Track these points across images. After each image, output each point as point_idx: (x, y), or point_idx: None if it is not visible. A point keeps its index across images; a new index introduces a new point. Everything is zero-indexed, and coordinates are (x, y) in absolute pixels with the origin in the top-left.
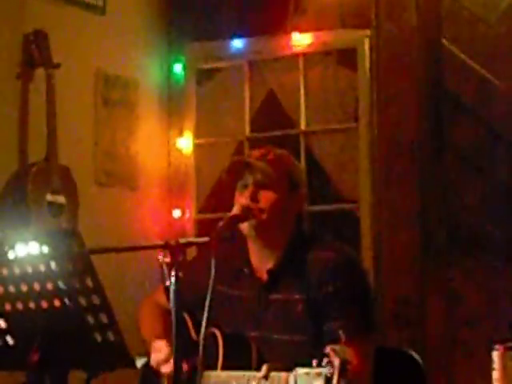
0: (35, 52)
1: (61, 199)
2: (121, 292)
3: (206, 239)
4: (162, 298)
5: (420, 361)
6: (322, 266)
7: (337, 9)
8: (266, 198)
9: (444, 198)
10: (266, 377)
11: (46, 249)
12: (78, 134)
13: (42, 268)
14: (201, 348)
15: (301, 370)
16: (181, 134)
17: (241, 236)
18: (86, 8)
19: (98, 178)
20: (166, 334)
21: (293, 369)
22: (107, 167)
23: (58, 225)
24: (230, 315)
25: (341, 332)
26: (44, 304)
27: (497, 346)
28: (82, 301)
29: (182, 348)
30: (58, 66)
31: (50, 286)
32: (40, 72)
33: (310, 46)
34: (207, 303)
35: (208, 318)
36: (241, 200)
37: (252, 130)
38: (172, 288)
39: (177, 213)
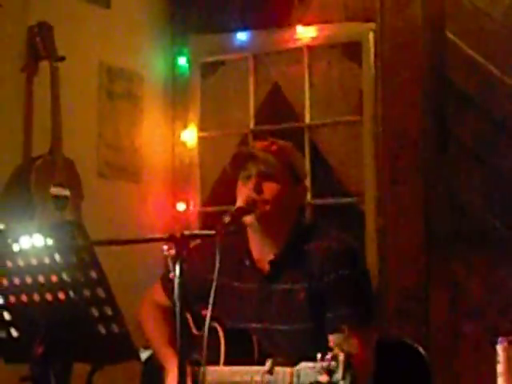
0: (40, 44)
1: (65, 192)
2: (125, 284)
3: (211, 232)
4: (160, 297)
5: (424, 353)
6: (323, 256)
7: (341, 2)
8: (270, 189)
9: (448, 190)
10: (270, 371)
11: (50, 241)
12: (82, 127)
13: (47, 260)
14: (204, 344)
15: (305, 365)
16: (185, 126)
17: (241, 227)
18: (90, 1)
19: (102, 170)
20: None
21: (296, 363)
22: (111, 160)
23: (62, 217)
24: (231, 307)
25: (343, 323)
26: (48, 296)
27: (501, 339)
28: (87, 293)
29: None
30: (62, 58)
31: (54, 278)
32: (44, 65)
33: (314, 39)
34: (211, 299)
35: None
36: (244, 191)
37: (256, 123)
38: (176, 281)
39: (181, 206)
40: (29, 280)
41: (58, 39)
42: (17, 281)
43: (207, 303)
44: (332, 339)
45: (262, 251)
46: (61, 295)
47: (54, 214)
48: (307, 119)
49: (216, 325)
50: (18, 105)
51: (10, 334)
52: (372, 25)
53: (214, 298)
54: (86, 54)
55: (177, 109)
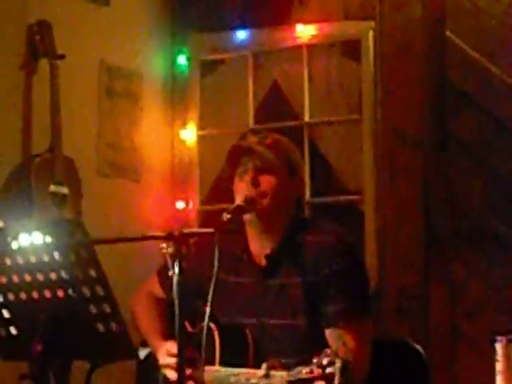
0: (39, 43)
1: (64, 190)
2: (124, 283)
3: (210, 230)
4: (155, 289)
5: (422, 352)
6: (318, 250)
7: (341, 0)
8: (267, 181)
9: (448, 189)
10: (266, 375)
11: (49, 239)
12: (81, 126)
13: (46, 258)
14: (203, 343)
15: (301, 370)
16: (184, 125)
17: (240, 223)
18: None
19: (102, 169)
20: (167, 332)
21: (292, 367)
22: (111, 158)
23: (61, 215)
24: (228, 302)
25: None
26: (47, 294)
27: (499, 338)
28: (86, 291)
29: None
30: (61, 57)
31: (53, 276)
32: (44, 63)
33: (314, 37)
34: (210, 297)
35: (203, 311)
36: (241, 186)
37: (256, 122)
38: (175, 279)
39: (180, 204)
40: (28, 278)
41: (57, 37)
42: (16, 278)
43: (203, 299)
44: (328, 334)
45: (260, 246)
46: (60, 293)
47: (53, 212)
48: (306, 117)
49: (211, 324)
50: (17, 103)
51: (8, 331)
52: (371, 23)
53: (213, 294)
54: (85, 52)
55: (176, 107)
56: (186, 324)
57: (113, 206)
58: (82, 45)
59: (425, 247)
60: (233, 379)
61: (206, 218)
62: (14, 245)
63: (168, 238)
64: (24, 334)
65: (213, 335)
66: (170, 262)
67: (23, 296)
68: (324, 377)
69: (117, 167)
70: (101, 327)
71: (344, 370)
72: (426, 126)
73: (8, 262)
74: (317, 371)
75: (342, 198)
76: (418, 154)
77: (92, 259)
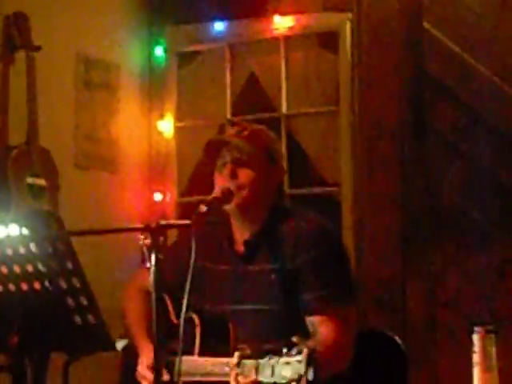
0: (16, 34)
1: (41, 182)
2: (101, 275)
3: (186, 222)
4: (145, 281)
5: (400, 342)
6: (297, 237)
7: None
8: (245, 175)
9: (425, 181)
10: (238, 363)
11: (25, 231)
12: (58, 117)
13: (22, 250)
14: (180, 333)
15: (270, 358)
16: (162, 116)
17: (224, 212)
18: None
19: (79, 160)
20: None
21: (264, 355)
22: (88, 150)
23: (38, 207)
24: (210, 290)
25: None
26: (24, 286)
27: (477, 329)
28: (62, 283)
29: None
30: (38, 48)
31: (29, 268)
32: (20, 55)
33: (291, 28)
34: (187, 287)
35: (188, 302)
36: (220, 179)
37: (233, 113)
38: (152, 270)
39: (158, 196)
40: (4, 270)
41: (34, 29)
42: None
43: (193, 290)
44: (309, 321)
45: (240, 234)
46: (36, 285)
47: (30, 204)
48: (284, 109)
49: (193, 315)
50: None
51: None
52: (349, 15)
53: (194, 282)
54: (62, 44)
55: (153, 99)
56: (172, 315)
57: (90, 197)
58: (59, 36)
59: (402, 238)
60: (209, 368)
61: (184, 210)
62: None
63: (145, 229)
64: (0, 326)
65: (194, 325)
66: (146, 254)
67: None
68: (291, 365)
69: (94, 159)
70: (78, 319)
71: (310, 358)
72: (403, 117)
73: None
74: (284, 360)
75: (320, 189)
76: (395, 145)
77: (69, 251)
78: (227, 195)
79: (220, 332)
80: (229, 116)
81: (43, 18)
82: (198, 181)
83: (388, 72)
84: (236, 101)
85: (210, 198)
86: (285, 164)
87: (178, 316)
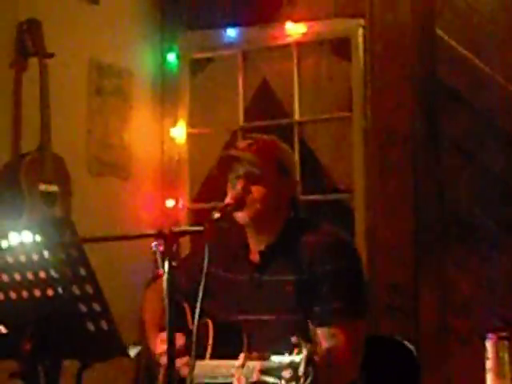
0: (29, 41)
1: (54, 188)
2: (114, 281)
3: (199, 228)
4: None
5: (413, 350)
6: (313, 248)
7: None
8: (257, 190)
9: (438, 187)
10: (242, 365)
11: (38, 238)
12: (71, 124)
13: (35, 257)
14: (194, 337)
15: (272, 360)
16: (174, 123)
17: (235, 222)
18: None
19: (91, 167)
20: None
21: (269, 357)
22: (100, 156)
23: (51, 214)
24: (226, 299)
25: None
26: (37, 293)
27: (490, 335)
28: (75, 290)
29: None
30: (51, 55)
31: (42, 274)
32: (33, 61)
33: (303, 35)
34: (200, 294)
35: (201, 308)
36: (233, 194)
37: (246, 120)
38: (165, 277)
39: (170, 202)
40: (17, 277)
41: (47, 36)
42: (5, 277)
43: (209, 297)
44: (319, 333)
45: (256, 244)
46: (49, 292)
47: (43, 210)
48: (296, 116)
49: (207, 320)
50: (6, 101)
51: None
52: (361, 21)
53: (209, 289)
54: (75, 50)
55: (166, 105)
56: (190, 321)
57: (102, 204)
58: (72, 43)
59: (415, 245)
60: (217, 370)
61: (197, 216)
62: (4, 243)
63: (158, 236)
64: (14, 332)
65: (207, 331)
66: (159, 261)
67: (13, 295)
68: (291, 366)
69: (106, 165)
70: (91, 326)
71: (309, 359)
72: (415, 123)
73: None
74: (285, 361)
75: (332, 196)
76: (407, 151)
77: (81, 258)
78: (239, 201)
79: (233, 341)
80: (241, 123)
81: (56, 25)
82: (210, 187)
83: (400, 78)
84: (248, 107)
85: (222, 204)
86: (297, 171)
87: (193, 322)
